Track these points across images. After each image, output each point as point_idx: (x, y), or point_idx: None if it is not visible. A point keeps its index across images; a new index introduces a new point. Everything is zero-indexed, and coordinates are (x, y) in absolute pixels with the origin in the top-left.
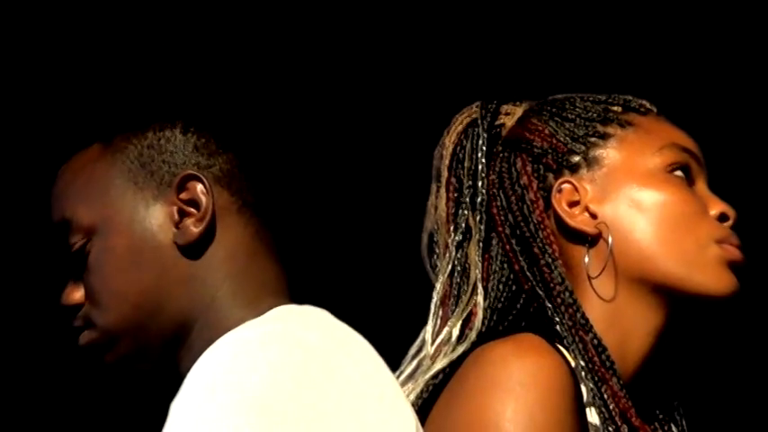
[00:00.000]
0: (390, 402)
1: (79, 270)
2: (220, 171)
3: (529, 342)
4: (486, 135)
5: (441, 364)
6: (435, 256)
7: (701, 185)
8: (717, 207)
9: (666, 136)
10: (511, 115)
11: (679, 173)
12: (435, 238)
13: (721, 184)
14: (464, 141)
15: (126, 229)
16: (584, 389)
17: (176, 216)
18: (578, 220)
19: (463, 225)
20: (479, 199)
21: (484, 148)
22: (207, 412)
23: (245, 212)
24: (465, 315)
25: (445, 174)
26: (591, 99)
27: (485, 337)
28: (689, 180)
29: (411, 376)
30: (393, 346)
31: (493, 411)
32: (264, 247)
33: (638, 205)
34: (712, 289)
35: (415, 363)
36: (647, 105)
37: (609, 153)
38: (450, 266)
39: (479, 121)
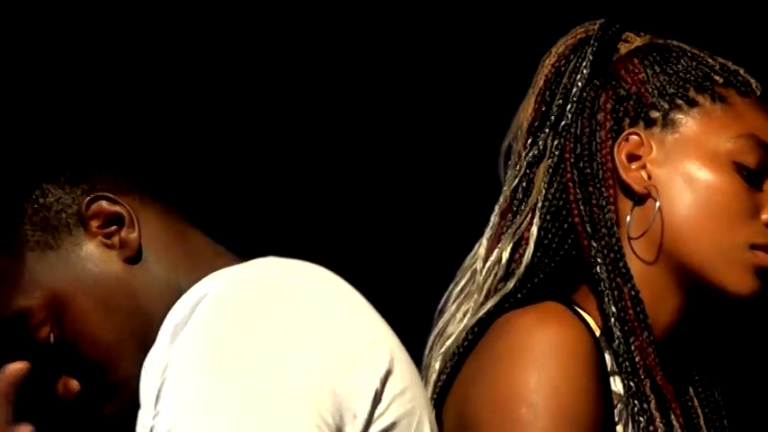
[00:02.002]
0: (358, 325)
1: (58, 360)
2: (103, 184)
3: (552, 311)
4: (592, 58)
5: (489, 303)
6: (510, 162)
7: None
8: None
9: (751, 125)
10: (630, 43)
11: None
12: (514, 144)
13: None
14: (571, 56)
15: (79, 287)
16: (608, 357)
17: (106, 240)
18: (631, 175)
19: (540, 145)
20: (564, 123)
21: (585, 71)
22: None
23: (146, 202)
24: (516, 239)
25: (540, 84)
26: (699, 59)
27: (526, 282)
28: (758, 176)
29: (462, 290)
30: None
31: (517, 381)
32: (182, 221)
33: (691, 182)
34: (731, 287)
35: (468, 274)
36: (753, 86)
37: (688, 121)
38: (516, 182)
39: (592, 42)
